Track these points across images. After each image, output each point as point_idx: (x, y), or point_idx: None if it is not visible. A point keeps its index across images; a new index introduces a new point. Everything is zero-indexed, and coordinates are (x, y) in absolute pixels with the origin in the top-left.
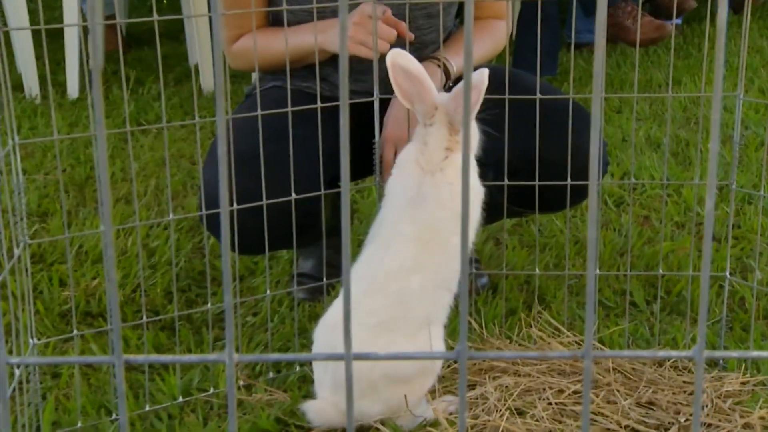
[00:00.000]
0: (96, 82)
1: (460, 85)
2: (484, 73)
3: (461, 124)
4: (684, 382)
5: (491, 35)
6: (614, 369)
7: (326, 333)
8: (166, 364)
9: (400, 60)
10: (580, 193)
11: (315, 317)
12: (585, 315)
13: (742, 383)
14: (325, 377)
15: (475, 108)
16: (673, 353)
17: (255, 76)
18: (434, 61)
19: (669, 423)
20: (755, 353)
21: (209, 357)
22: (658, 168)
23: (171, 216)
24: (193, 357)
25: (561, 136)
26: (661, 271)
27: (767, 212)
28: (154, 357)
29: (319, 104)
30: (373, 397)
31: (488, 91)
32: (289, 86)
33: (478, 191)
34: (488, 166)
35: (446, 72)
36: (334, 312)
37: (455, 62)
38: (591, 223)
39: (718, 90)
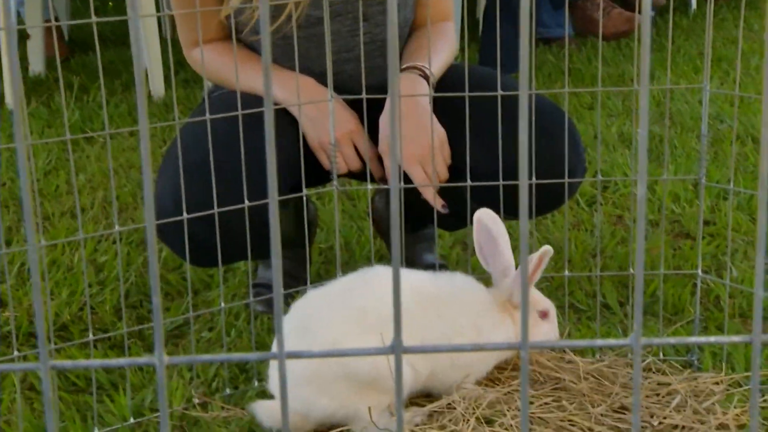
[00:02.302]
0: (16, 93)
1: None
2: (548, 251)
3: (520, 302)
4: (659, 384)
5: (444, 40)
6: (586, 376)
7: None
8: (95, 368)
9: (486, 219)
10: (554, 199)
11: (273, 330)
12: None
13: (716, 383)
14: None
15: (531, 283)
16: (611, 341)
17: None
18: (414, 71)
19: (642, 427)
20: (692, 339)
21: (139, 360)
22: (632, 166)
23: (117, 228)
24: (122, 360)
25: (535, 140)
26: (632, 270)
27: (742, 208)
28: (83, 362)
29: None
30: (329, 395)
31: (454, 90)
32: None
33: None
34: (460, 171)
35: (426, 79)
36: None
37: (432, 68)
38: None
39: (645, 83)
